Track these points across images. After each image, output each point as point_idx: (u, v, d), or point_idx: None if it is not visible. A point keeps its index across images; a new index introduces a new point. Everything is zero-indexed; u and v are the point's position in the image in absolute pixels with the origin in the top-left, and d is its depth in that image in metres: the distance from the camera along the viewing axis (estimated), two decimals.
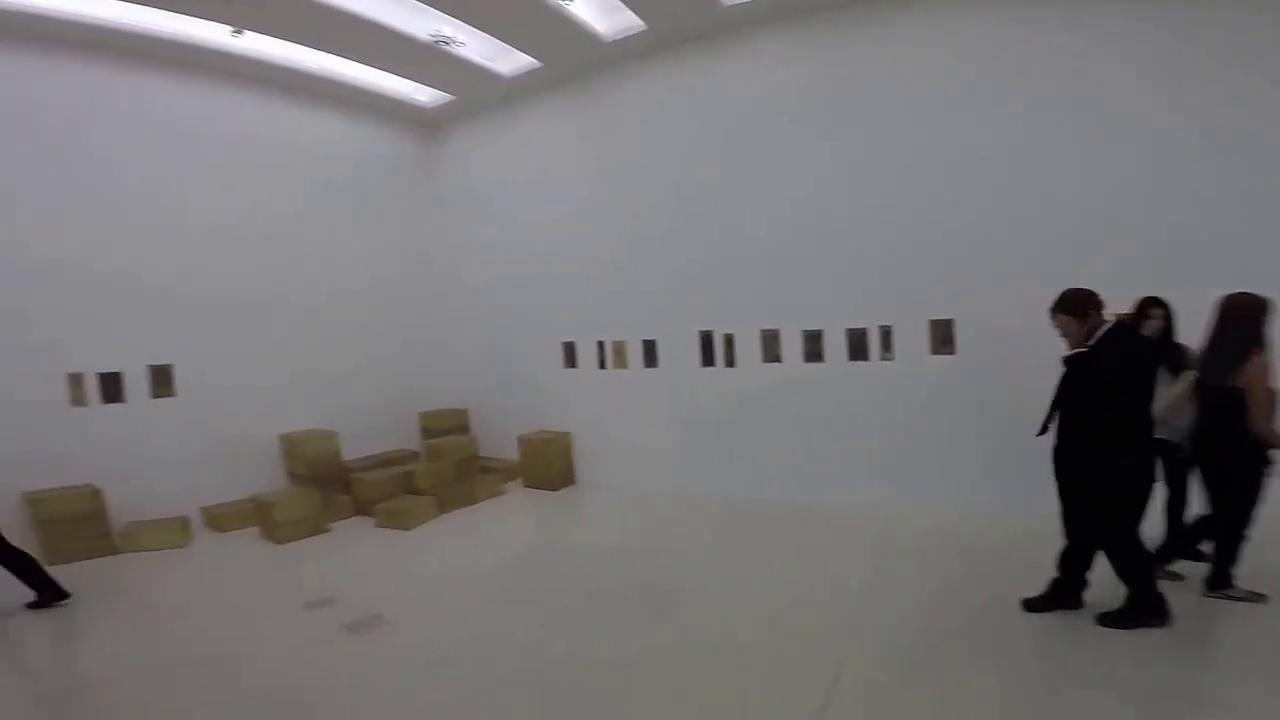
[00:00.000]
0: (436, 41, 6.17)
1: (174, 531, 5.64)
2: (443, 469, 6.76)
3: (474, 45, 6.50)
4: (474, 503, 6.80)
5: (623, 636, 3.59)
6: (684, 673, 3.16)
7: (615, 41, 6.39)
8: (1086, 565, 3.39)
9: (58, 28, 5.34)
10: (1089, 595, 3.43)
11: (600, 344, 7.25)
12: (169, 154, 6.22)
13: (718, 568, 4.64)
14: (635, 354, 7.02)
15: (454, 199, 8.48)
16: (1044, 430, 3.37)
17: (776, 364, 6.19)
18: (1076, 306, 3.28)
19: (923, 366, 5.56)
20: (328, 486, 6.47)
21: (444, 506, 6.48)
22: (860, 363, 5.81)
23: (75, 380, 5.63)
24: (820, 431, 6.02)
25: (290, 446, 6.78)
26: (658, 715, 2.83)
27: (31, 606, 4.30)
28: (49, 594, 4.34)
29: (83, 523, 5.21)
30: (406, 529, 5.96)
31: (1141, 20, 4.72)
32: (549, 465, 7.20)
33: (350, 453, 7.04)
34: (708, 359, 6.59)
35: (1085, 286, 3.35)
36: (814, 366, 6.03)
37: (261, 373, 6.81)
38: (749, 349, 6.34)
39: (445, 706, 2.98)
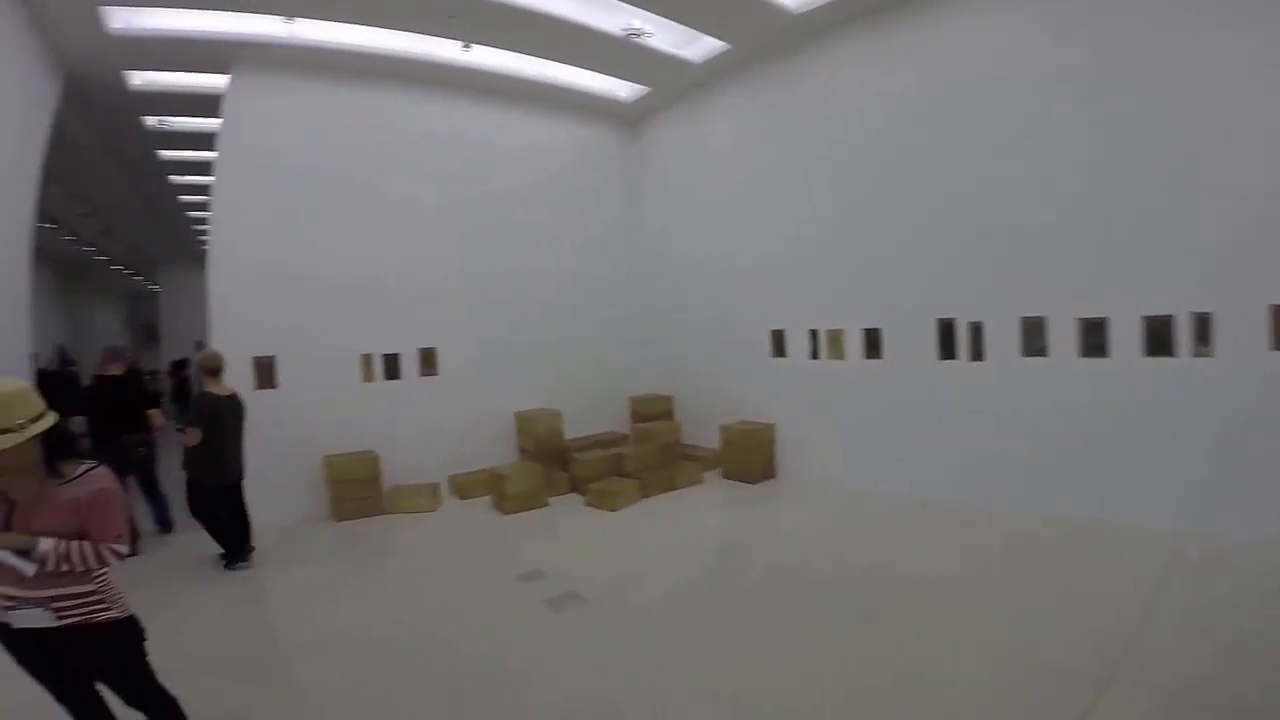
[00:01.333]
0: (629, 35, 6.39)
1: (426, 497, 6.72)
2: (648, 453, 7.11)
3: (662, 35, 6.64)
4: (674, 489, 7.04)
5: (826, 652, 3.43)
6: (899, 708, 2.92)
7: (804, 14, 6.06)
8: None
9: (324, 56, 6.49)
10: None
11: (813, 333, 6.96)
12: (422, 164, 7.30)
13: (944, 585, 4.14)
14: (854, 344, 6.61)
15: (658, 189, 8.82)
16: None
17: (1040, 358, 5.33)
18: None
19: (1256, 365, 4.32)
20: (550, 462, 7.19)
21: (646, 490, 6.81)
22: (1162, 359, 4.71)
23: (365, 360, 6.96)
24: (1098, 440, 5.04)
25: (522, 423, 7.67)
26: None
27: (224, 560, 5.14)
28: (236, 556, 5.14)
29: (362, 484, 6.47)
30: (612, 509, 6.40)
31: None
32: (749, 456, 7.16)
33: (570, 432, 7.73)
34: (947, 351, 5.94)
35: None
36: (1093, 362, 5.05)
37: (501, 355, 7.77)
38: (1003, 340, 5.56)
39: (622, 692, 3.15)
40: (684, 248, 8.46)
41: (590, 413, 8.26)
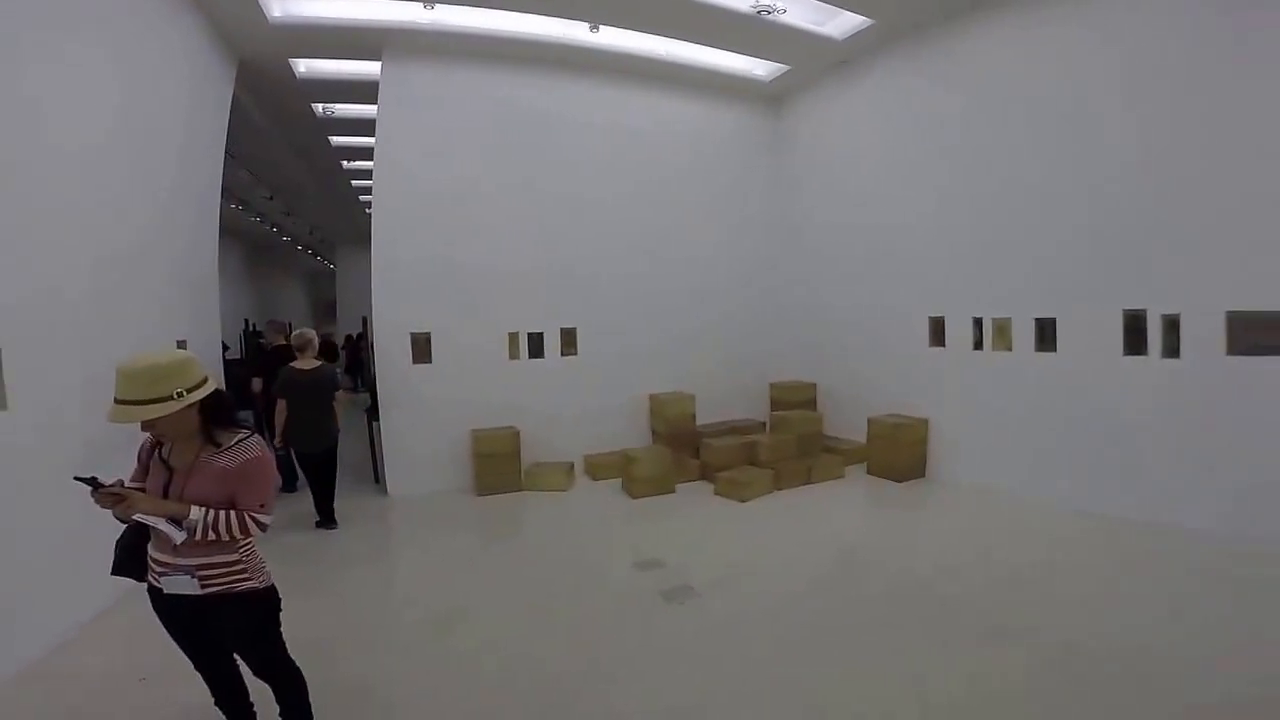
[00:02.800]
0: (759, 11, 6.11)
1: (561, 475, 7.02)
2: (785, 443, 6.90)
3: (797, 11, 6.31)
4: (811, 482, 6.79)
5: (946, 678, 3.14)
6: None
7: None
8: None
9: (466, 42, 6.79)
10: None
11: (977, 321, 6.33)
12: (565, 148, 7.51)
13: (1120, 622, 3.60)
14: (1024, 334, 5.94)
15: (801, 169, 8.50)
16: None
17: (1259, 357, 4.48)
18: None
19: None
20: (681, 447, 7.22)
21: (781, 482, 6.63)
22: None
23: (512, 339, 7.38)
24: None
25: (656, 406, 7.77)
26: None
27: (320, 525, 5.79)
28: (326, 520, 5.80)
29: (503, 460, 6.88)
30: (742, 500, 6.29)
31: None
32: (898, 453, 6.71)
33: (706, 417, 7.72)
34: (1134, 345, 5.17)
35: None
36: None
37: (639, 337, 7.90)
38: (1206, 337, 4.75)
39: (711, 696, 3.07)
40: (830, 230, 8.07)
41: (727, 398, 8.19)
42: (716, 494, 6.56)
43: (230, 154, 8.26)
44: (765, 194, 8.74)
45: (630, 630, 3.85)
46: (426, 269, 6.96)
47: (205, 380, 2.12)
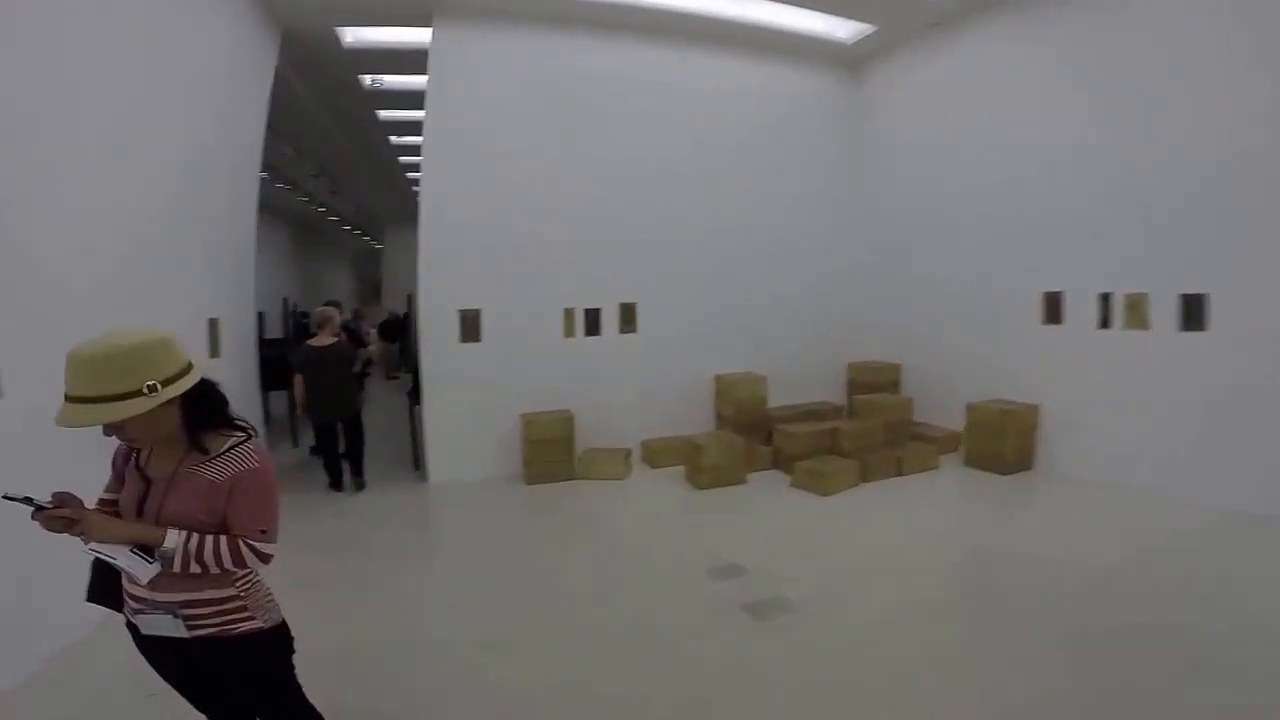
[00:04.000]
0: None
1: (617, 463, 6.54)
2: (870, 430, 6.27)
3: None
4: (900, 474, 6.16)
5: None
6: None
7: None
8: None
9: (521, 4, 6.32)
10: None
11: (1104, 296, 5.54)
12: (627, 114, 6.90)
13: None
14: (1165, 311, 5.16)
15: (885, 135, 7.78)
16: None
17: None
18: None
19: None
20: (751, 433, 6.65)
21: (868, 474, 6.01)
22: None
23: (568, 315, 6.89)
24: None
25: (723, 388, 7.19)
26: None
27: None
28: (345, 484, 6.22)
29: (556, 446, 6.43)
30: (823, 494, 5.70)
31: None
32: (1002, 442, 5.98)
33: (775, 400, 7.10)
34: None
35: None
36: None
37: (705, 313, 7.30)
38: None
39: None
40: (919, 199, 7.31)
41: (801, 380, 7.54)
42: (793, 486, 5.98)
43: (274, 127, 8.08)
44: (842, 161, 7.96)
45: (710, 654, 3.29)
46: (477, 243, 6.51)
47: (188, 368, 1.63)
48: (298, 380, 6.00)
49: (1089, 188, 5.66)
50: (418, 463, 6.92)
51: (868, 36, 7.24)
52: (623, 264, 6.99)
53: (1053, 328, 5.95)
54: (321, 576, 4.25)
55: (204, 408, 1.67)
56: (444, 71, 6.39)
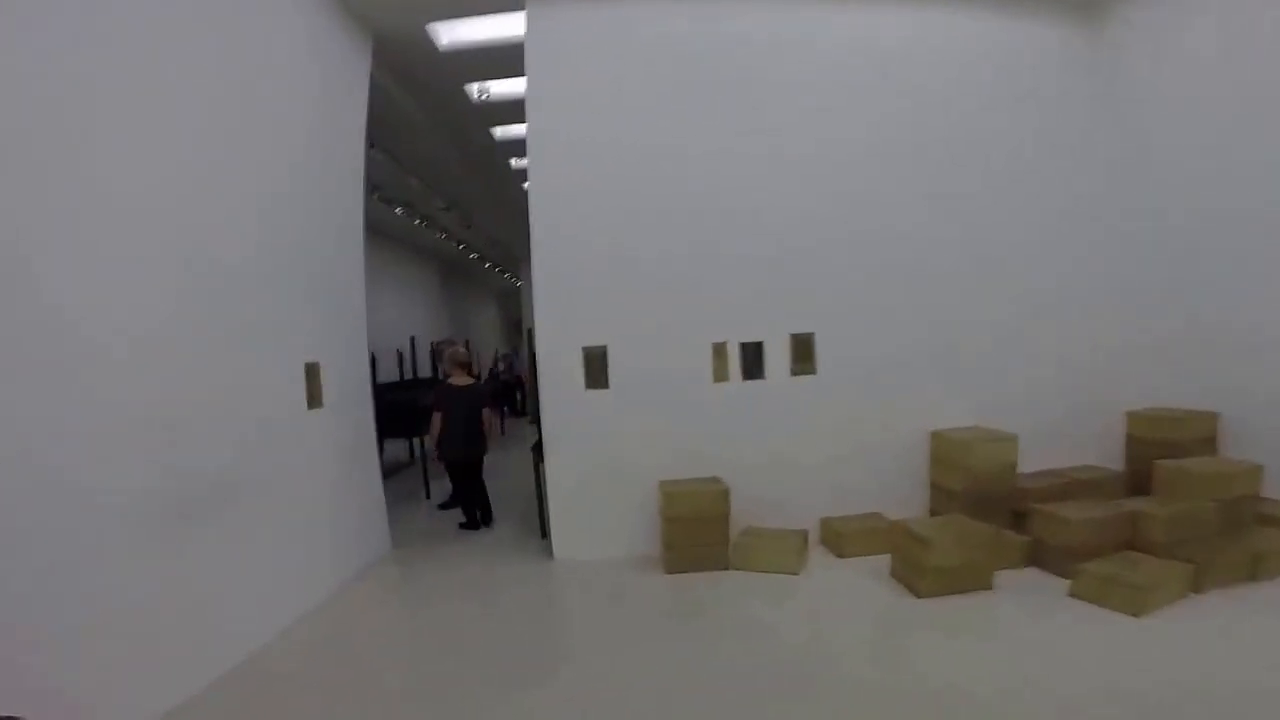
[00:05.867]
0: None
1: (788, 551, 4.80)
2: (1196, 514, 4.11)
3: None
4: (1254, 579, 3.99)
5: None
6: None
7: None
8: None
9: None
10: None
11: None
12: (784, 93, 5.44)
13: None
14: None
15: (1151, 98, 5.57)
16: None
17: None
18: None
19: None
20: (988, 514, 4.71)
21: (1200, 581, 3.89)
22: None
23: (718, 352, 5.37)
24: None
25: (944, 449, 5.26)
26: None
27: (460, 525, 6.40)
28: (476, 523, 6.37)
29: (704, 526, 4.83)
30: (1134, 613, 3.66)
31: None
32: None
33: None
34: None
35: None
36: None
37: (908, 345, 5.48)
38: None
39: None
40: (1224, 181, 5.07)
41: (1051, 436, 5.40)
42: (1074, 596, 3.97)
43: (389, 152, 7.84)
44: (1089, 137, 5.78)
45: None
46: (599, 264, 5.31)
47: None
48: (435, 418, 6.11)
49: None
50: (545, 528, 5.75)
51: None
52: (793, 283, 5.42)
53: None
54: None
55: None
56: (542, 59, 5.33)
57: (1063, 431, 5.47)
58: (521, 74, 5.57)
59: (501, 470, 8.13)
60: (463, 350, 6.65)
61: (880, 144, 5.50)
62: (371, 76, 5.73)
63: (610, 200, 5.32)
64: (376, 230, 12.38)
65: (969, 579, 4.17)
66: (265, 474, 4.11)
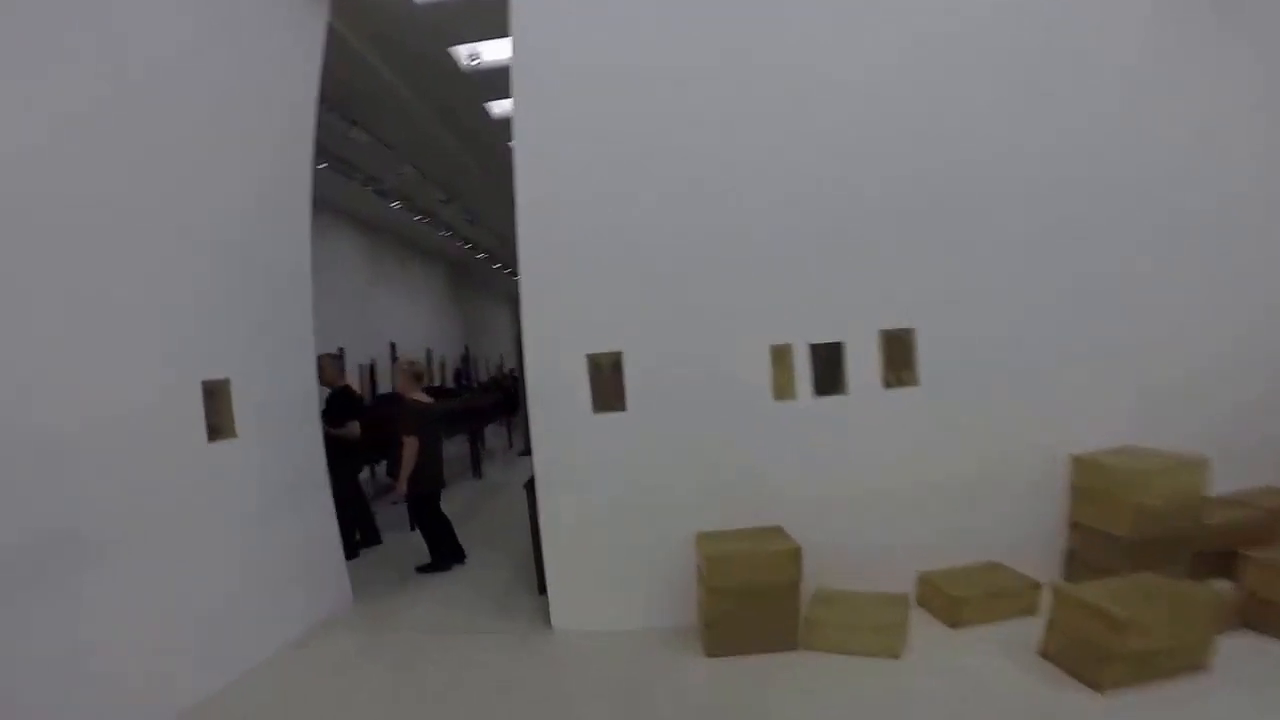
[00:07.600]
0: None
1: (882, 625, 3.51)
2: None
3: None
4: None
5: None
6: None
7: None
8: None
9: None
10: None
11: None
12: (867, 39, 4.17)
13: None
14: None
15: None
16: None
17: None
18: None
19: None
20: (1165, 564, 3.41)
21: None
22: None
23: (778, 357, 4.09)
24: None
25: (1092, 476, 3.90)
26: None
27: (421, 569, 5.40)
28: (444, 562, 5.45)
29: (765, 599, 3.56)
30: None
31: None
32: None
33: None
34: None
35: None
36: None
37: (1035, 344, 4.12)
38: None
39: None
40: None
41: (1231, 454, 3.92)
42: None
43: (374, 135, 7.19)
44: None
45: None
46: (608, 242, 4.10)
47: None
48: (409, 444, 5.16)
49: None
50: (542, 585, 4.45)
51: None
52: (881, 262, 4.12)
53: None
54: None
55: None
56: (526, 16, 4.18)
57: (1245, 450, 4.04)
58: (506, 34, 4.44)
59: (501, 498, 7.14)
60: (420, 362, 6.50)
61: (994, 69, 4.13)
62: (336, 33, 4.83)
63: (608, 182, 4.14)
64: (377, 230, 11.66)
65: (1177, 660, 2.91)
66: (143, 527, 3.19)
